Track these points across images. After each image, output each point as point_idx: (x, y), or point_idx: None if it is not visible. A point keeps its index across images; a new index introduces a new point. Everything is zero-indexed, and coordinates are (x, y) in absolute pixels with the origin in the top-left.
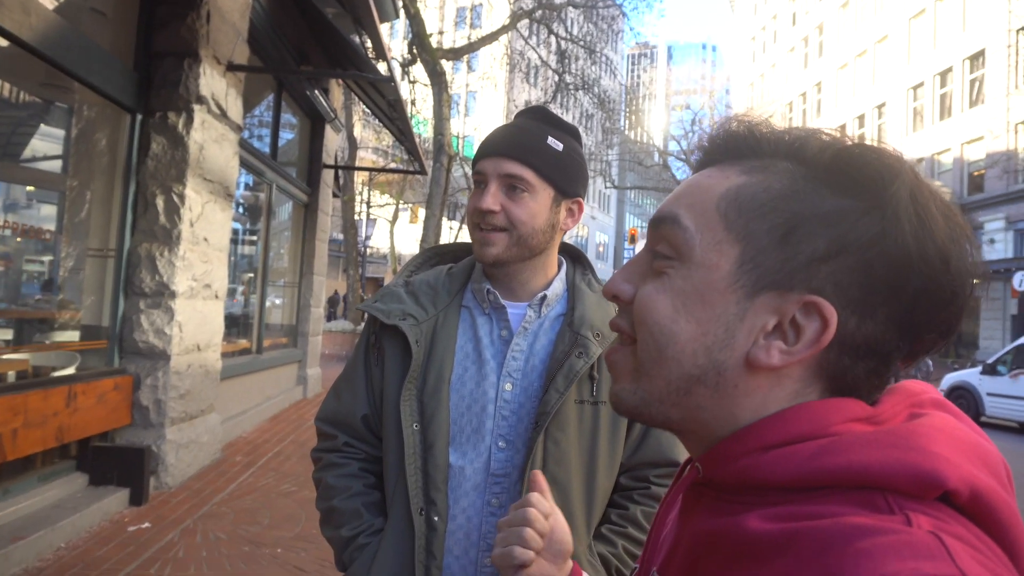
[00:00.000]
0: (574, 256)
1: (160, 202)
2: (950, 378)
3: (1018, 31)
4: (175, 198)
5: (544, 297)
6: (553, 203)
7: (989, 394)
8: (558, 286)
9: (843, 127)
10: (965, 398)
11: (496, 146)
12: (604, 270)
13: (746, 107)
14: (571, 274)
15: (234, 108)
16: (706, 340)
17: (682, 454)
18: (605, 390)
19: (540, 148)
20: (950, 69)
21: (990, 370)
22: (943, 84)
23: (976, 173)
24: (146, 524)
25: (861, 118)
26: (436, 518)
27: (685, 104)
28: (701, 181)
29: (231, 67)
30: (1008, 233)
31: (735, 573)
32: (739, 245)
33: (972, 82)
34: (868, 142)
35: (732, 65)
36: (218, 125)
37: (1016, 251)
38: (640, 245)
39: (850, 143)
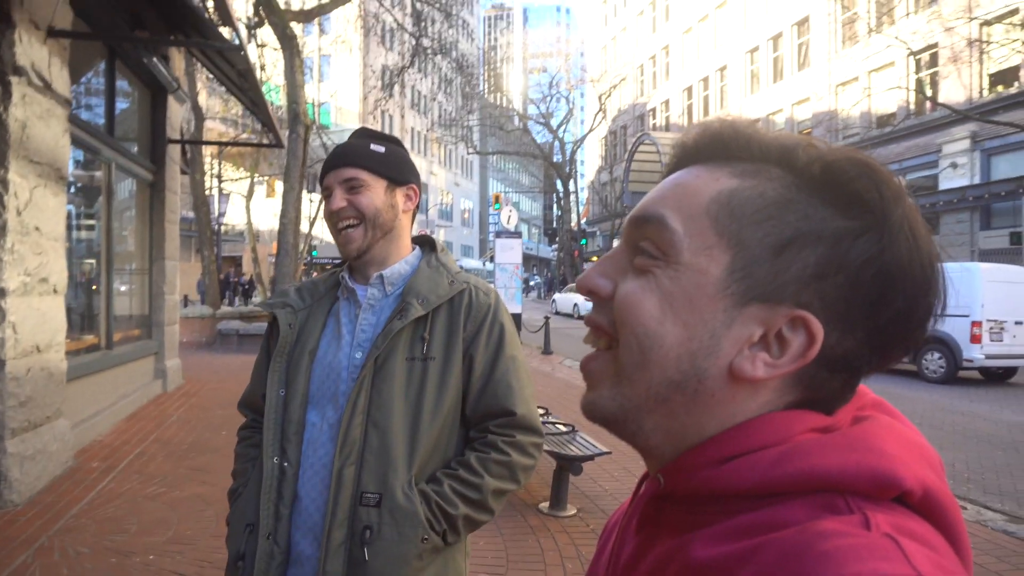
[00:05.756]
0: (429, 244)
1: None
2: None
3: None
4: None
5: (382, 276)
6: (387, 190)
7: None
8: (402, 267)
9: (689, 89)
10: None
11: (332, 161)
12: (470, 236)
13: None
14: (423, 258)
15: (60, 80)
16: (691, 345)
17: (518, 405)
18: (436, 347)
19: (365, 153)
20: (780, 34)
21: None
22: (775, 48)
23: (804, 132)
24: None
25: (705, 80)
26: (286, 464)
27: (542, 67)
28: (688, 181)
29: (52, 33)
30: None
31: None
32: (730, 252)
33: (800, 46)
34: (853, 155)
35: (586, 28)
36: (42, 99)
37: None
38: (507, 210)
39: (838, 156)
